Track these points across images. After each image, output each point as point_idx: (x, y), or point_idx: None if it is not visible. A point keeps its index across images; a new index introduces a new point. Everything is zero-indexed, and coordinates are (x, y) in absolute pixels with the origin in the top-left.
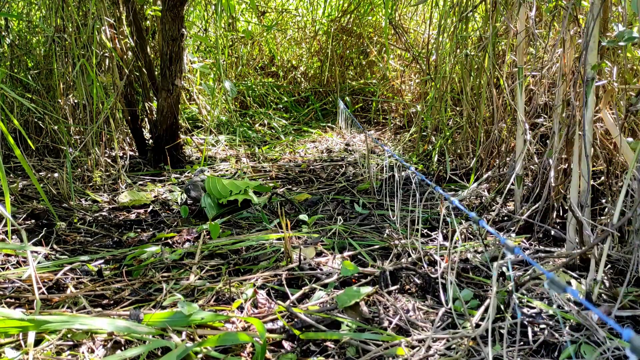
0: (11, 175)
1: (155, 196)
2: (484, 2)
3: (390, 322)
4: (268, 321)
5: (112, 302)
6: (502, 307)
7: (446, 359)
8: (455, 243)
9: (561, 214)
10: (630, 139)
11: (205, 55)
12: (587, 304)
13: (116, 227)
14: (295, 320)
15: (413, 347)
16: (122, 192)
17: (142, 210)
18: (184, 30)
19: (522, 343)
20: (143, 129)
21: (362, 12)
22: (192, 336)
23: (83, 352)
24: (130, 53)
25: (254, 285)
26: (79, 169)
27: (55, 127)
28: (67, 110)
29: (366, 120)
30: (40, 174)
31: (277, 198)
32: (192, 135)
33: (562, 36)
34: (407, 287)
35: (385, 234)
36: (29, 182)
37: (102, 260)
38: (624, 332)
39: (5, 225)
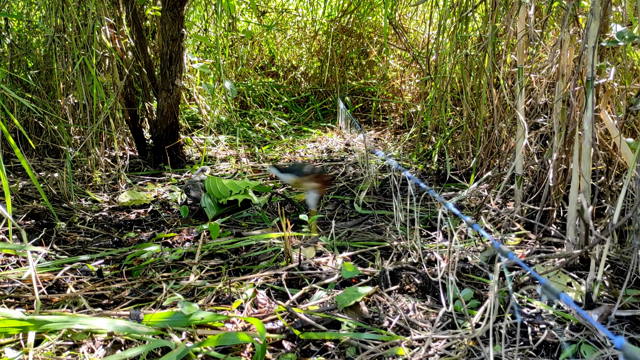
0: (11, 175)
1: (155, 196)
2: (484, 2)
3: (390, 322)
4: (268, 321)
5: (112, 302)
6: (502, 307)
7: (446, 359)
8: (455, 243)
9: (561, 214)
10: (630, 139)
11: (205, 55)
12: (581, 312)
13: (116, 227)
14: (295, 320)
15: (413, 347)
16: (122, 192)
17: (142, 210)
18: (184, 30)
19: (522, 343)
20: (143, 129)
21: (362, 12)
22: (192, 336)
23: (83, 352)
24: (130, 53)
25: (254, 285)
26: (79, 169)
27: (55, 127)
28: (67, 110)
29: (366, 120)
30: (40, 174)
31: (277, 198)
32: (192, 135)
33: (561, 36)
34: (407, 287)
35: (385, 234)
36: (29, 182)
37: (102, 260)
38: (616, 340)
39: (5, 225)
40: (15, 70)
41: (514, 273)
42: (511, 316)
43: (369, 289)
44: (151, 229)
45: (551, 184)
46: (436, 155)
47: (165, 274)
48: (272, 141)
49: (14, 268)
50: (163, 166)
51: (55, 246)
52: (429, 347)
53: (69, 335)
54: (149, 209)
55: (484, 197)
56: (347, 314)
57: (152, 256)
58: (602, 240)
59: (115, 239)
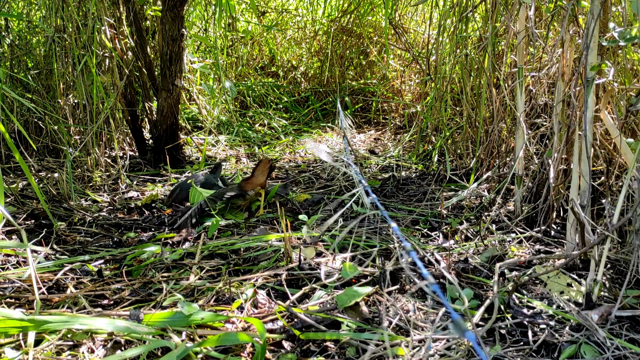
0: (11, 175)
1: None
2: (484, 2)
3: (390, 322)
4: (268, 321)
5: (112, 302)
6: (502, 307)
7: (446, 359)
8: (455, 243)
9: (561, 214)
10: (630, 140)
11: (205, 55)
12: None
13: (116, 227)
14: (295, 320)
15: (413, 347)
16: (132, 193)
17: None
18: (184, 30)
19: (522, 343)
20: (143, 129)
21: (362, 12)
22: (192, 336)
23: (83, 352)
24: (130, 53)
25: (254, 285)
26: (79, 169)
27: (55, 127)
28: (67, 110)
29: (366, 120)
30: (40, 174)
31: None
32: (192, 135)
33: (561, 36)
34: (407, 287)
35: (386, 234)
36: (29, 182)
37: (102, 261)
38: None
39: (4, 226)
40: (15, 70)
41: (514, 273)
42: (511, 316)
43: (369, 289)
44: (151, 229)
45: (552, 184)
46: (436, 156)
47: (165, 274)
48: (272, 141)
49: (14, 268)
50: (163, 166)
51: (55, 246)
52: (429, 347)
53: (69, 335)
54: (148, 209)
55: (483, 197)
56: (347, 314)
57: (152, 256)
58: (601, 241)
59: (115, 239)
